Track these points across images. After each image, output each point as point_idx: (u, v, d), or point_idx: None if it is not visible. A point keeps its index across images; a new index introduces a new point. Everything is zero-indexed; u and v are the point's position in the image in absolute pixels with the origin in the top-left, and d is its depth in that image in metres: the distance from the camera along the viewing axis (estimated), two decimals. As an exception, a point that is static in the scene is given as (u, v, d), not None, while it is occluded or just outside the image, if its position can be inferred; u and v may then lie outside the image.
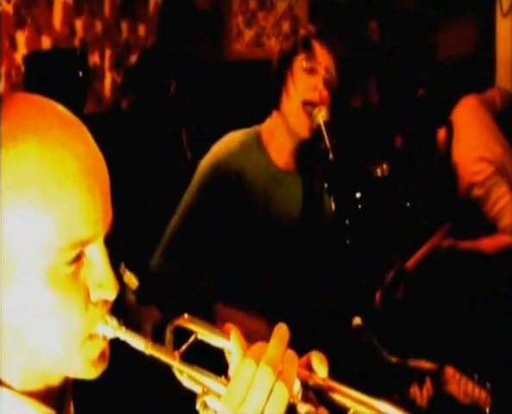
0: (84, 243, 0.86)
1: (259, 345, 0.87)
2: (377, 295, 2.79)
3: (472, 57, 4.44)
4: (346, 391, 0.85)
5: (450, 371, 2.08)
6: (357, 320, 2.15)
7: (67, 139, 0.86)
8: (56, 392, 0.94)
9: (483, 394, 2.05)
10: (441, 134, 3.01)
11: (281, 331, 0.88)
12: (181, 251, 2.16)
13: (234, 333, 0.88)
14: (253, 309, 2.16)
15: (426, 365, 2.09)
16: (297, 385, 0.85)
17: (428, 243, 2.96)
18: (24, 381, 0.90)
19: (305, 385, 0.86)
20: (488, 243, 2.86)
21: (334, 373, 0.90)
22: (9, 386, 0.89)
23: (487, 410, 2.05)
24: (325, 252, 2.28)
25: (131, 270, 2.07)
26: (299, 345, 0.93)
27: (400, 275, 2.92)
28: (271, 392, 0.82)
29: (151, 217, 3.14)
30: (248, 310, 2.13)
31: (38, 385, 0.91)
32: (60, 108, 0.90)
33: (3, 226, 0.82)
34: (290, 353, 0.86)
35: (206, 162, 2.21)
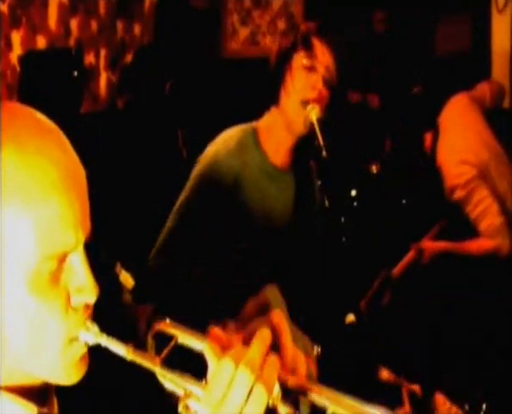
0: (66, 254, 0.87)
1: (239, 347, 0.87)
2: (362, 303, 2.78)
3: (468, 52, 4.44)
4: (324, 391, 0.86)
5: (440, 398, 2.05)
6: (350, 317, 2.15)
7: (46, 146, 0.86)
8: (39, 390, 0.95)
9: None
10: (428, 137, 3.02)
11: (263, 334, 0.88)
12: (178, 249, 2.16)
13: (209, 337, 0.89)
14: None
15: (416, 388, 2.06)
16: (277, 388, 0.86)
17: (413, 249, 2.95)
18: (6, 379, 0.91)
19: (285, 387, 0.87)
20: (473, 245, 2.86)
21: (328, 370, 0.90)
22: None
23: None
24: (319, 249, 2.28)
25: (127, 269, 2.08)
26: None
27: (386, 283, 2.91)
28: (250, 393, 0.83)
29: (146, 216, 3.15)
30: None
31: (20, 383, 0.92)
32: (39, 115, 0.90)
33: None
34: (272, 356, 0.86)
35: (204, 161, 2.20)
